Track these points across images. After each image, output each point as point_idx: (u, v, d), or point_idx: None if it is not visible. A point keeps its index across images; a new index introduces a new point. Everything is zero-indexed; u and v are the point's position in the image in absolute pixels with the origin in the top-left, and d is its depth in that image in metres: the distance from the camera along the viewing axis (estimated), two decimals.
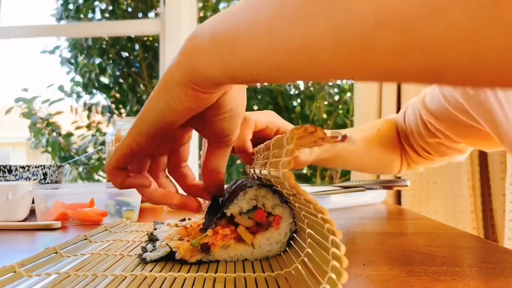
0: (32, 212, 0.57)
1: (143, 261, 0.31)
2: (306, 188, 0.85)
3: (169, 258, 0.31)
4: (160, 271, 0.29)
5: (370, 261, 0.32)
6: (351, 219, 0.56)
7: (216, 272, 0.28)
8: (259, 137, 0.45)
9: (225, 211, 0.31)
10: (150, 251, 0.32)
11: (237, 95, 0.31)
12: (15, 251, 0.39)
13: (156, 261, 0.31)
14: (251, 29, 0.23)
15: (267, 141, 0.30)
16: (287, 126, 0.49)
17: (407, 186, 0.72)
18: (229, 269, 0.29)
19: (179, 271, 0.29)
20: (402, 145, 0.69)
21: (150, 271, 0.28)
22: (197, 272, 0.28)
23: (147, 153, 0.33)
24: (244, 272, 0.28)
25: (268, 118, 0.48)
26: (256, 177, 0.35)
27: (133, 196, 0.57)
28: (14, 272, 0.27)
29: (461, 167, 1.26)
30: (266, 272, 0.28)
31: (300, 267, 0.27)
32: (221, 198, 0.35)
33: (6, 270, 0.27)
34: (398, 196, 1.32)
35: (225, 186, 0.43)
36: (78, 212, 0.53)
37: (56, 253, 0.33)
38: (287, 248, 0.33)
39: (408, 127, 0.67)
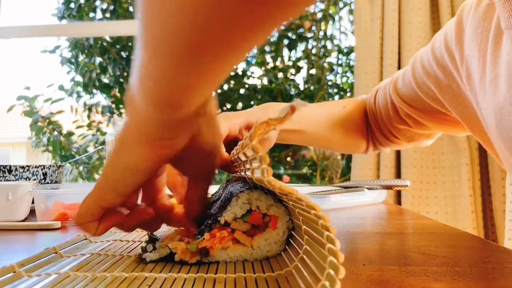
0: (32, 212, 0.57)
1: (143, 262, 0.31)
2: (306, 188, 0.85)
3: (169, 259, 0.31)
4: (160, 272, 0.29)
5: (370, 261, 0.32)
6: (351, 219, 0.56)
7: (216, 272, 0.28)
8: (236, 141, 0.45)
9: (218, 218, 0.31)
10: (150, 251, 0.32)
11: (209, 129, 0.30)
12: (15, 251, 0.39)
13: (156, 261, 0.31)
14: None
15: (237, 146, 0.30)
16: (257, 119, 0.49)
17: (407, 186, 0.72)
18: (229, 270, 0.29)
19: (179, 272, 0.28)
20: (370, 126, 0.69)
21: (150, 272, 0.28)
22: (197, 272, 0.28)
23: (117, 205, 0.32)
24: (244, 272, 0.28)
25: (239, 119, 0.47)
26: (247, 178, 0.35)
27: None
28: (14, 272, 0.27)
29: (461, 167, 1.26)
30: (267, 272, 0.28)
31: (299, 265, 0.27)
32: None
33: (6, 271, 0.27)
34: (398, 196, 1.32)
35: (217, 187, 0.43)
36: None
37: (56, 253, 0.33)
38: (286, 247, 0.33)
39: (378, 110, 0.66)
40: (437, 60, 0.52)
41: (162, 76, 0.22)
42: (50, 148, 2.03)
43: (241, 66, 2.09)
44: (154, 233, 0.39)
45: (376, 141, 0.69)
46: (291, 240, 0.33)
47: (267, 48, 2.14)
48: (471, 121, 0.51)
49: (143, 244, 0.35)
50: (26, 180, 0.71)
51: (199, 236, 0.32)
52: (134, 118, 0.27)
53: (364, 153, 0.71)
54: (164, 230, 0.40)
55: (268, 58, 2.17)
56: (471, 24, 0.46)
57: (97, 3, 2.28)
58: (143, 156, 0.27)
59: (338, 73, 2.17)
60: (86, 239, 0.39)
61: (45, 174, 0.73)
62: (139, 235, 0.43)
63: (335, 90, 2.14)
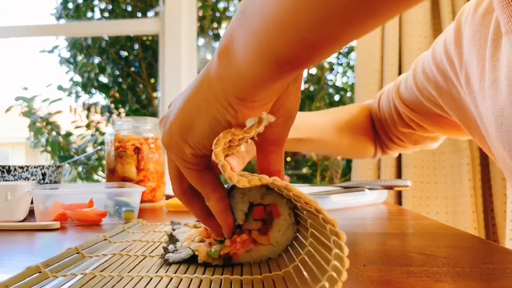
0: (31, 213, 0.57)
1: (166, 262, 0.31)
2: (307, 188, 0.85)
3: (192, 260, 0.31)
4: (185, 273, 0.29)
5: (371, 262, 0.32)
6: (352, 219, 0.56)
7: (241, 274, 0.28)
8: None
9: (239, 223, 0.31)
10: (172, 252, 0.32)
11: (296, 94, 0.29)
12: (14, 252, 0.39)
13: (178, 262, 0.31)
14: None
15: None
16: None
17: (408, 186, 0.72)
18: (255, 270, 0.29)
19: (203, 273, 0.29)
20: (377, 131, 0.69)
21: (175, 273, 0.28)
22: (222, 274, 0.28)
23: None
24: (270, 272, 0.28)
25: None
26: None
27: (133, 197, 0.56)
28: (40, 272, 0.27)
29: (462, 167, 1.26)
30: (292, 269, 0.28)
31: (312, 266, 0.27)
32: None
33: (31, 271, 0.27)
34: (399, 196, 1.32)
35: None
36: (77, 213, 0.53)
37: (78, 253, 0.33)
38: (305, 242, 0.32)
39: (382, 115, 0.67)
40: (437, 65, 0.53)
41: (298, 27, 0.21)
42: (49, 148, 2.03)
43: None
44: (173, 233, 0.39)
45: (384, 145, 0.70)
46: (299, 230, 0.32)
47: None
48: (471, 125, 0.51)
49: (164, 245, 0.35)
50: (25, 180, 0.71)
51: (221, 240, 0.31)
52: (229, 72, 0.25)
53: (373, 157, 0.72)
54: (183, 230, 0.40)
55: None
56: (469, 29, 0.46)
57: (95, 2, 2.27)
58: (231, 113, 0.26)
59: (338, 72, 2.17)
60: (105, 239, 0.39)
61: (44, 174, 0.73)
62: (158, 236, 0.43)
63: (335, 90, 2.14)
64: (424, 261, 0.32)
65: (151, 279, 0.27)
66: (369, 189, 0.71)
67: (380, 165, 1.33)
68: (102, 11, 2.30)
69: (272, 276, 0.27)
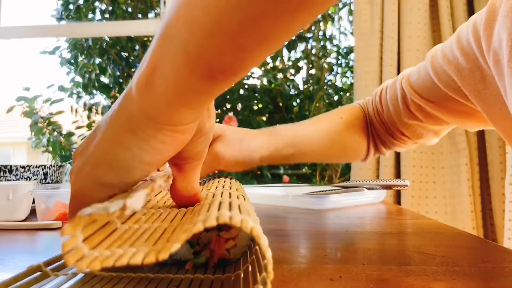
0: (33, 212, 0.57)
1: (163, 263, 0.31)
2: (306, 188, 0.85)
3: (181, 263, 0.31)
4: (176, 273, 0.29)
5: (370, 261, 0.32)
6: (351, 218, 0.56)
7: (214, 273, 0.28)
8: None
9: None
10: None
11: (211, 113, 0.29)
12: (15, 251, 0.40)
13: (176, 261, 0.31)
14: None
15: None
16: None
17: (406, 186, 0.72)
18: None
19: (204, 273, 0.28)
20: (372, 129, 0.69)
21: (176, 273, 0.28)
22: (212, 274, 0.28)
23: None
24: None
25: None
26: None
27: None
28: (41, 271, 0.27)
29: (461, 167, 1.27)
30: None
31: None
32: None
33: (32, 270, 0.27)
34: (397, 196, 1.32)
35: None
36: None
37: None
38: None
39: (386, 108, 0.66)
40: (463, 48, 0.52)
41: (229, 31, 0.21)
42: (50, 148, 2.03)
43: None
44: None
45: (380, 144, 0.69)
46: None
47: None
48: (490, 110, 0.51)
49: None
50: (26, 180, 0.71)
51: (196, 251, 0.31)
52: (154, 102, 0.24)
53: (364, 160, 0.71)
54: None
55: (267, 58, 2.17)
56: (503, 10, 0.46)
57: (96, 4, 2.28)
58: (161, 140, 0.25)
59: (338, 73, 2.17)
60: None
61: (45, 174, 0.74)
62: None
63: (335, 91, 2.14)
64: (423, 260, 0.32)
65: (151, 279, 0.27)
66: (368, 188, 0.72)
67: (379, 165, 1.33)
68: (102, 12, 2.30)
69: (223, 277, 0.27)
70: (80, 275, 0.28)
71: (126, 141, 0.25)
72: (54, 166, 0.75)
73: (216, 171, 0.55)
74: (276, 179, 1.94)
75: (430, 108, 0.59)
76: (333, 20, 2.17)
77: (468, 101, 0.54)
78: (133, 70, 2.29)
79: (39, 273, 0.27)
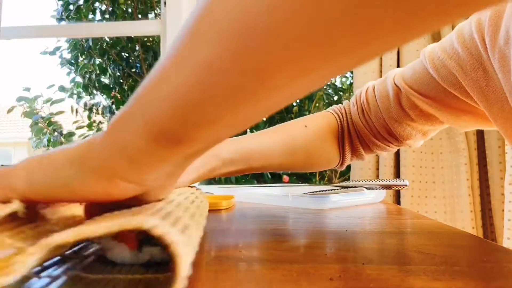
0: None
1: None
2: (306, 188, 0.86)
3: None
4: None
5: (369, 261, 0.32)
6: (350, 218, 0.56)
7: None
8: None
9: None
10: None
11: (170, 183, 0.29)
12: None
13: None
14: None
15: None
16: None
17: (406, 186, 0.72)
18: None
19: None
20: (344, 135, 0.66)
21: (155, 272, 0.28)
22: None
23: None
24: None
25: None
26: None
27: None
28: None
29: (460, 167, 1.27)
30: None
31: None
32: None
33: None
34: (397, 195, 1.32)
35: None
36: None
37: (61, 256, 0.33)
38: None
39: (373, 107, 0.63)
40: (465, 44, 0.51)
41: (187, 101, 0.20)
42: (51, 148, 2.03)
43: None
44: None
45: (360, 147, 0.67)
46: None
47: None
48: (494, 108, 0.50)
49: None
50: None
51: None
52: (110, 152, 0.24)
53: (338, 166, 0.68)
54: None
55: None
56: (510, 7, 0.45)
57: (96, 4, 2.28)
58: (102, 185, 0.25)
59: None
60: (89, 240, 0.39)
61: None
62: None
63: (334, 91, 2.14)
64: (422, 260, 0.32)
65: (140, 279, 0.27)
66: (368, 188, 0.72)
67: (379, 165, 1.34)
68: (102, 13, 2.31)
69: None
70: (64, 278, 0.27)
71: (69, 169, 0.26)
72: None
73: None
74: (276, 179, 1.94)
75: (426, 104, 0.57)
76: None
77: (468, 97, 0.53)
78: (133, 70, 2.29)
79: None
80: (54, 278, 0.27)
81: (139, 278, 0.27)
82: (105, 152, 0.24)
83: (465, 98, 0.54)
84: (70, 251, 0.35)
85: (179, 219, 0.24)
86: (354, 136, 0.67)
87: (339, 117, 0.67)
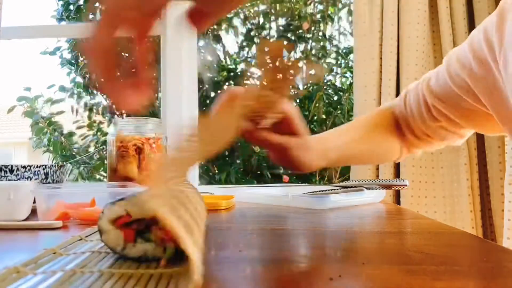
0: (34, 212, 0.57)
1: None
2: (306, 188, 0.86)
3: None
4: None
5: (369, 260, 0.33)
6: (350, 218, 0.56)
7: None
8: None
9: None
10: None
11: None
12: (16, 251, 0.40)
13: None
14: None
15: None
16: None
17: (406, 186, 0.72)
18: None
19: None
20: (401, 130, 0.70)
21: (155, 269, 0.28)
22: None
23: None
24: None
25: None
26: None
27: None
28: (18, 272, 0.27)
29: (460, 167, 1.27)
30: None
31: None
32: None
33: (10, 272, 0.27)
34: (397, 195, 1.32)
35: None
36: (79, 212, 0.54)
37: (55, 253, 0.33)
38: None
39: (409, 112, 0.67)
40: (475, 52, 0.53)
41: None
42: (51, 148, 2.04)
43: (241, 67, 2.09)
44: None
45: (410, 144, 0.70)
46: None
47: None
48: (501, 113, 0.52)
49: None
50: (27, 179, 0.72)
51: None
52: None
53: (398, 159, 0.73)
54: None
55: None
56: None
57: (96, 4, 2.28)
58: None
59: (337, 73, 2.18)
60: (81, 239, 0.39)
61: (46, 174, 0.74)
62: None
63: (334, 91, 2.14)
64: (422, 260, 0.32)
65: (131, 274, 0.27)
66: (368, 188, 0.72)
67: (379, 165, 1.33)
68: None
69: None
70: (60, 274, 0.27)
71: None
72: (55, 166, 0.75)
73: None
74: (276, 179, 1.94)
75: (448, 112, 0.61)
76: (332, 20, 2.17)
77: (480, 103, 0.55)
78: (133, 70, 2.28)
79: (15, 274, 0.27)
80: (49, 274, 0.27)
81: (131, 273, 0.27)
82: None
83: (478, 104, 0.56)
84: (65, 247, 0.35)
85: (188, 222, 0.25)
86: (404, 134, 0.71)
87: (394, 114, 0.71)
